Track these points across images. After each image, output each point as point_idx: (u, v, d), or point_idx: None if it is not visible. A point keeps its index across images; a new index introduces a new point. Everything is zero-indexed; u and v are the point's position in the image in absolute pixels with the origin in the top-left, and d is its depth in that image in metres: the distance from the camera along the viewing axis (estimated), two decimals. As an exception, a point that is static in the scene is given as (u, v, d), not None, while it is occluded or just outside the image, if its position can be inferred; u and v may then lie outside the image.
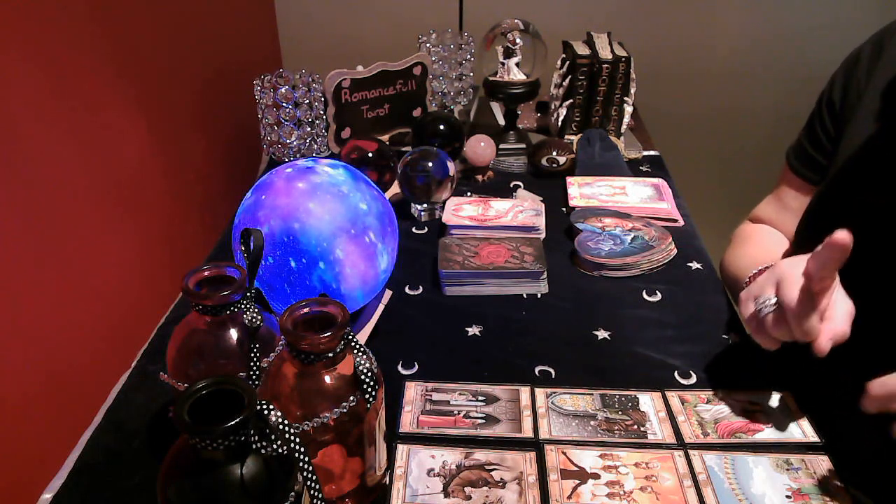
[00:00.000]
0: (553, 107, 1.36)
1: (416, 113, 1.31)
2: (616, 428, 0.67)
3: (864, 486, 0.61)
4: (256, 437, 0.43)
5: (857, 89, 0.80)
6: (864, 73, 0.79)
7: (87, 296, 0.86)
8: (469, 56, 1.37)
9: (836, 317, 0.63)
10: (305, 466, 0.45)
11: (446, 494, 0.60)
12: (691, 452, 0.64)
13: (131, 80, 0.98)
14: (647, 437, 0.66)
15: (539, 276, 0.90)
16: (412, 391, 0.72)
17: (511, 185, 1.20)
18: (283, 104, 1.14)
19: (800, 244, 0.87)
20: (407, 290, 0.92)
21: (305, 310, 0.53)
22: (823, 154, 0.84)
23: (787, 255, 0.88)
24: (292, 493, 0.45)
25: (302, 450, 0.44)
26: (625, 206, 1.08)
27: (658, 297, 0.90)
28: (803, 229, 0.86)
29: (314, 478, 0.45)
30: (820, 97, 0.86)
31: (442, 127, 1.17)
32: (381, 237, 0.75)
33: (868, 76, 0.79)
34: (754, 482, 0.61)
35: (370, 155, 1.05)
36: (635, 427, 0.67)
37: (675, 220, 1.07)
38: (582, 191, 1.13)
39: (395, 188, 1.09)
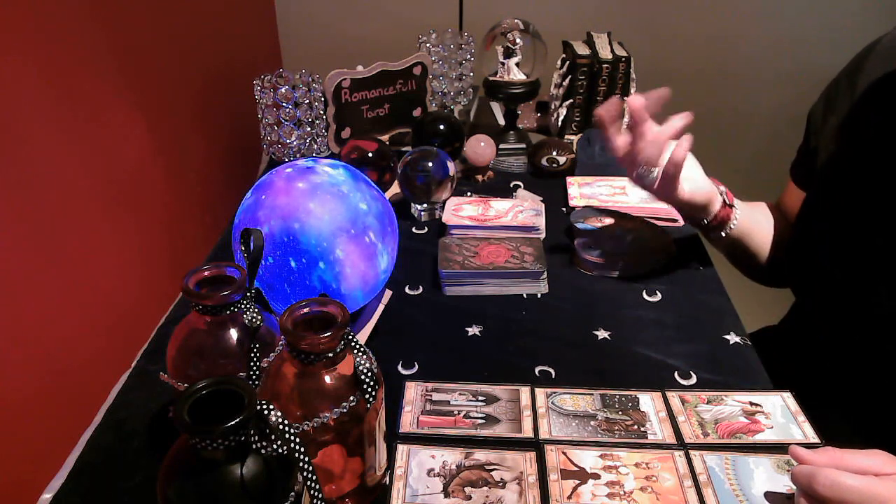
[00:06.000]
0: (553, 107, 1.36)
1: (416, 113, 1.31)
2: (616, 428, 0.67)
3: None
4: (256, 437, 0.43)
5: (836, 109, 0.83)
6: (843, 92, 0.82)
7: (87, 296, 0.86)
8: (469, 56, 1.37)
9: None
10: (305, 466, 0.45)
11: (446, 494, 0.60)
12: (692, 453, 0.64)
13: (131, 80, 0.98)
14: (647, 438, 0.66)
15: (539, 276, 0.90)
16: (412, 391, 0.72)
17: (511, 185, 1.20)
18: (283, 104, 1.14)
19: (789, 243, 0.89)
20: (407, 290, 0.92)
21: (305, 310, 0.53)
22: (811, 171, 0.88)
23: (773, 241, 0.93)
24: (292, 493, 0.45)
25: (302, 450, 0.44)
26: (625, 206, 1.08)
27: (658, 297, 0.90)
28: (793, 231, 0.89)
29: (314, 478, 0.45)
30: (806, 124, 0.91)
31: (442, 127, 1.17)
32: (381, 237, 0.75)
33: (848, 93, 0.81)
34: (755, 483, 0.61)
35: (370, 155, 1.05)
36: (635, 427, 0.67)
37: (675, 220, 1.07)
38: (582, 191, 1.13)
39: (395, 188, 1.09)
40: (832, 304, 0.82)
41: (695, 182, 0.85)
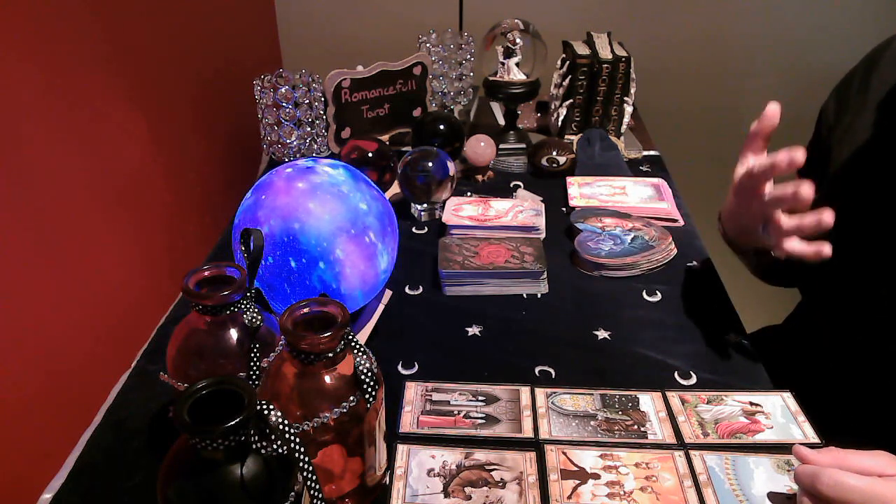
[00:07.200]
0: (553, 107, 1.36)
1: (416, 113, 1.31)
2: (616, 428, 0.67)
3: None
4: (256, 437, 0.43)
5: (850, 109, 0.82)
6: (856, 91, 0.82)
7: (87, 296, 0.86)
8: (469, 56, 1.37)
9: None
10: (305, 466, 0.45)
11: (446, 494, 0.60)
12: (692, 453, 0.64)
13: (131, 81, 0.98)
14: (647, 438, 0.66)
15: (539, 276, 0.90)
16: (412, 391, 0.72)
17: (511, 185, 1.20)
18: (283, 104, 1.14)
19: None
20: (407, 290, 0.92)
21: (305, 310, 0.53)
22: (821, 170, 0.86)
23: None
24: (292, 493, 0.45)
25: (302, 450, 0.44)
26: (625, 206, 1.08)
27: (658, 297, 0.90)
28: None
29: (314, 478, 0.45)
30: (816, 122, 0.89)
31: (442, 127, 1.17)
32: (381, 237, 0.75)
33: (862, 93, 0.81)
34: (755, 483, 0.61)
35: (370, 155, 1.05)
36: (635, 427, 0.67)
37: (675, 220, 1.07)
38: (582, 191, 1.13)
39: (395, 188, 1.09)
40: (838, 304, 0.82)
41: None
